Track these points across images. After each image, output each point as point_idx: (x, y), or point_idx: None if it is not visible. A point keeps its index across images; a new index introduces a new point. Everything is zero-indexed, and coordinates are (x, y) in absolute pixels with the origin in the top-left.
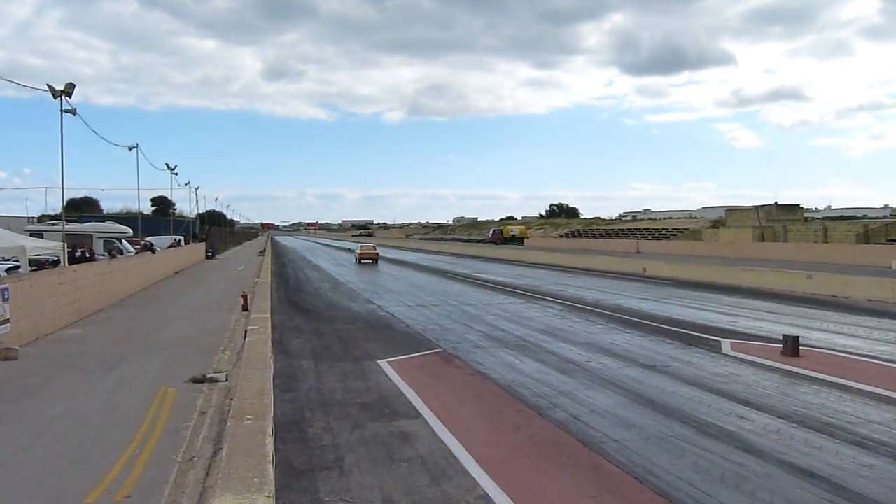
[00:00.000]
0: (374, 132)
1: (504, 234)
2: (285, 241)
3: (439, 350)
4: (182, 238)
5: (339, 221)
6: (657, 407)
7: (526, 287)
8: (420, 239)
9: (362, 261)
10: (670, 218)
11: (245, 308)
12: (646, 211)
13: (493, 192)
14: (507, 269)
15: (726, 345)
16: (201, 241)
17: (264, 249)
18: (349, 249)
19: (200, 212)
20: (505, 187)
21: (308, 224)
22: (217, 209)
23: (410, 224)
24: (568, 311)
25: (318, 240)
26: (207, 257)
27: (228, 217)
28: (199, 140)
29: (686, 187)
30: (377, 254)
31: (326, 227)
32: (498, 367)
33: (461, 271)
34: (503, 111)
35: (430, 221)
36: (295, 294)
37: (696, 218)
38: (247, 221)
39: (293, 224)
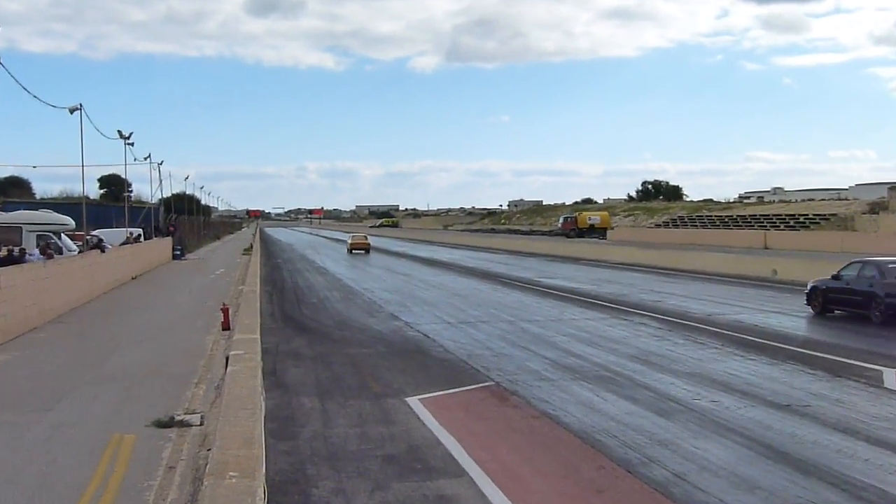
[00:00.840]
0: (399, 85)
1: (579, 224)
2: (279, 234)
3: (490, 383)
4: (141, 231)
5: (353, 208)
6: (792, 462)
7: (610, 296)
8: (463, 231)
9: (354, 251)
10: (811, 200)
11: (226, 326)
12: (776, 190)
13: (564, 165)
14: (583, 271)
15: (890, 376)
16: (167, 236)
17: (251, 246)
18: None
19: (165, 196)
20: (579, 159)
21: (310, 211)
22: (188, 192)
23: (449, 211)
24: (668, 330)
25: (325, 232)
26: (175, 257)
27: (203, 202)
28: (162, 99)
29: (832, 157)
30: (369, 244)
31: (335, 216)
32: (571, 406)
33: (520, 275)
34: (576, 54)
35: (477, 207)
36: (293, 307)
37: (846, 199)
38: (228, 208)
39: (290, 211)
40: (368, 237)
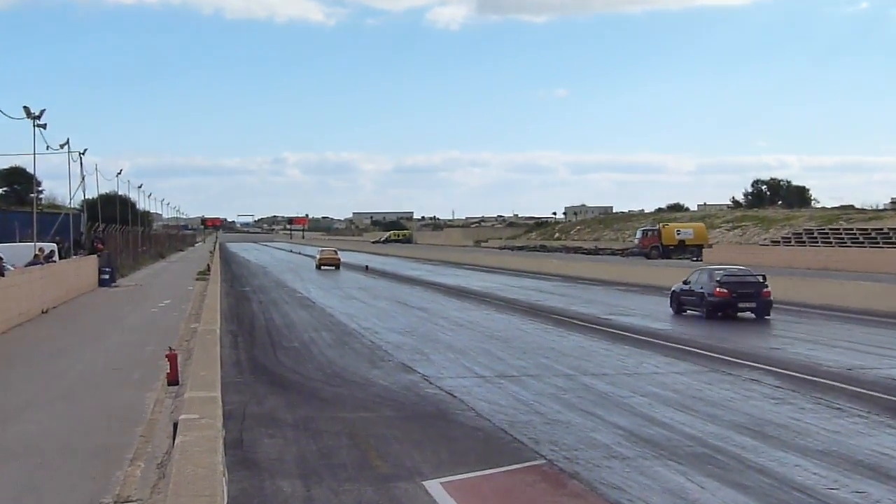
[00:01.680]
0: (414, 47)
1: (664, 239)
2: (248, 251)
3: (541, 462)
4: (55, 247)
5: (349, 216)
6: None
7: (707, 341)
8: (502, 249)
9: (322, 267)
10: None
11: (173, 380)
12: None
13: (642, 158)
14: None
15: None
16: (92, 253)
17: (208, 268)
18: (366, 267)
19: (90, 198)
20: (664, 149)
21: (291, 221)
22: (121, 192)
23: (483, 220)
24: (790, 390)
25: (310, 249)
26: (103, 282)
27: (142, 207)
28: (86, 65)
29: None
30: (339, 259)
31: (325, 227)
32: (655, 496)
33: (582, 310)
34: (660, 3)
35: (522, 216)
36: (266, 353)
37: None
38: (177, 216)
39: (261, 220)
40: (339, 252)
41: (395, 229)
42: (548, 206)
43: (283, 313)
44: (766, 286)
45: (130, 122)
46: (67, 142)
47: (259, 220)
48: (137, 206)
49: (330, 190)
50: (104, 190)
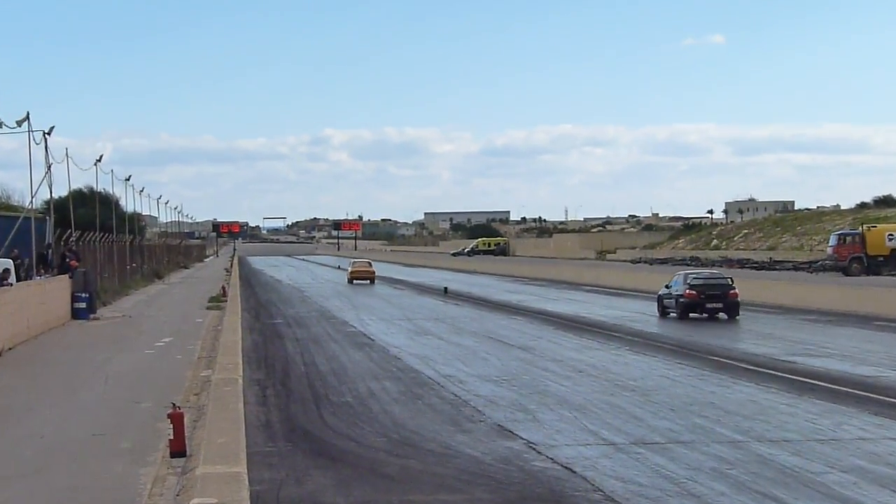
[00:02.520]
0: None
1: (870, 247)
2: (278, 268)
3: None
4: (11, 264)
5: (419, 217)
6: None
7: None
8: (636, 262)
9: (354, 281)
10: None
11: (178, 449)
12: None
13: (833, 131)
14: (879, 340)
15: None
16: (63, 273)
17: (223, 292)
18: (445, 290)
19: (60, 195)
20: (865, 118)
21: (339, 226)
22: (101, 188)
23: (608, 222)
24: None
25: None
26: (78, 313)
27: (130, 209)
28: (52, 16)
29: None
30: (373, 272)
31: (387, 233)
32: None
33: (751, 349)
34: None
35: (663, 215)
36: (307, 410)
37: None
38: (180, 219)
39: (295, 225)
40: (373, 263)
41: (484, 236)
42: (700, 201)
43: (329, 355)
44: (734, 288)
45: (113, 89)
46: (27, 118)
47: (293, 226)
48: (124, 207)
49: (392, 182)
50: (78, 184)
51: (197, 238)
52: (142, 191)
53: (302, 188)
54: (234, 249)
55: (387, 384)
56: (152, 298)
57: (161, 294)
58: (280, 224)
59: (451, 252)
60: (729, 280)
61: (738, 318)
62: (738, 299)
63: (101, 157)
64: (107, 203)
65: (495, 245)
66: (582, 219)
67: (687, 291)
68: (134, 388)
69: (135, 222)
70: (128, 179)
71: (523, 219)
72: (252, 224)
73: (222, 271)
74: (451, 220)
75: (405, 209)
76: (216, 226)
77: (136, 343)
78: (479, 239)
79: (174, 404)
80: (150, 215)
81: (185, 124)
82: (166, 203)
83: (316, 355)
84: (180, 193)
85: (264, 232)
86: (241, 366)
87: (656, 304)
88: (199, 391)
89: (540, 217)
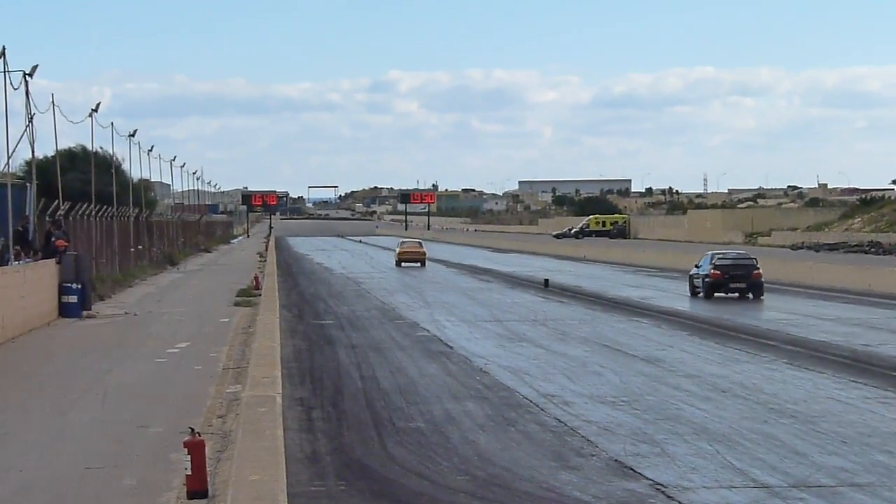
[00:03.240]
0: None
1: None
2: (327, 252)
3: None
4: None
5: (511, 187)
6: None
7: None
8: (797, 248)
9: (403, 264)
10: None
11: (198, 489)
12: None
13: None
14: None
15: None
16: (48, 256)
17: (256, 283)
18: (546, 282)
19: (43, 156)
20: None
21: (407, 197)
22: (98, 147)
23: (760, 194)
24: None
25: (444, 247)
26: (68, 308)
27: (134, 174)
28: None
29: None
30: (424, 253)
31: (472, 208)
32: None
33: None
34: None
35: (833, 186)
36: (365, 439)
37: None
38: (200, 188)
39: (350, 196)
40: (424, 244)
41: (597, 212)
42: (883, 168)
43: (394, 367)
44: (758, 268)
45: (113, 17)
46: (2, 53)
47: (347, 197)
48: (127, 171)
49: (476, 140)
50: (68, 141)
51: (222, 213)
52: (150, 150)
53: (358, 148)
54: (271, 228)
55: (470, 406)
56: (163, 291)
57: (175, 285)
58: (330, 195)
59: (554, 233)
60: (754, 261)
61: (762, 298)
62: (762, 280)
63: (97, 105)
64: (105, 166)
65: (612, 225)
66: (726, 191)
67: (712, 271)
68: (140, 408)
69: (141, 191)
70: (132, 135)
71: (648, 190)
72: (293, 195)
73: (255, 256)
74: (553, 190)
75: (493, 177)
76: (247, 197)
77: (143, 349)
78: (591, 216)
79: (192, 430)
80: (161, 182)
81: (207, 64)
82: (182, 167)
83: (377, 367)
84: (201, 154)
85: (310, 205)
86: (279, 380)
87: (688, 283)
88: (225, 413)
89: (670, 188)
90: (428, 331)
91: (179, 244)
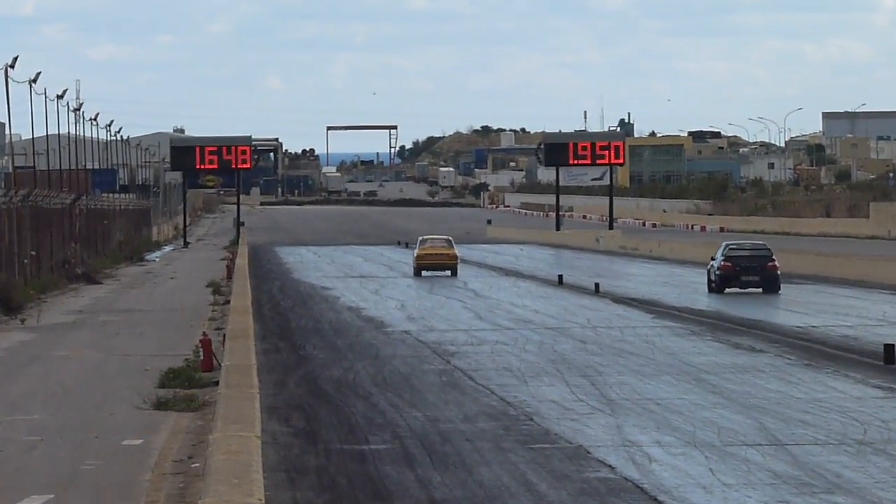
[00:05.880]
0: None
1: None
2: (365, 284)
3: None
4: None
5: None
6: None
7: None
8: None
9: (423, 272)
10: None
11: None
12: None
13: None
14: None
15: None
16: None
17: (205, 353)
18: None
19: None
20: None
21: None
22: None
23: None
24: None
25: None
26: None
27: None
28: None
29: None
30: (455, 255)
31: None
32: None
33: None
34: None
35: None
36: None
37: None
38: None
39: (427, 148)
40: (454, 244)
41: None
42: None
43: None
44: (773, 260)
45: None
46: None
47: (417, 152)
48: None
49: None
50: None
51: (130, 188)
52: (95, 120)
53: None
54: (240, 223)
55: None
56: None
57: (13, 357)
58: (375, 149)
59: None
60: (769, 252)
61: (779, 292)
62: (778, 272)
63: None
64: None
65: None
66: None
67: (722, 263)
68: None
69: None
70: (79, 109)
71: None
72: (293, 148)
73: (202, 293)
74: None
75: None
76: (181, 151)
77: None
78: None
79: None
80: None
81: None
82: (36, 87)
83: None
84: (81, 57)
85: (331, 171)
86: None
87: (706, 276)
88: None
89: None
90: (616, 471)
91: (26, 262)
